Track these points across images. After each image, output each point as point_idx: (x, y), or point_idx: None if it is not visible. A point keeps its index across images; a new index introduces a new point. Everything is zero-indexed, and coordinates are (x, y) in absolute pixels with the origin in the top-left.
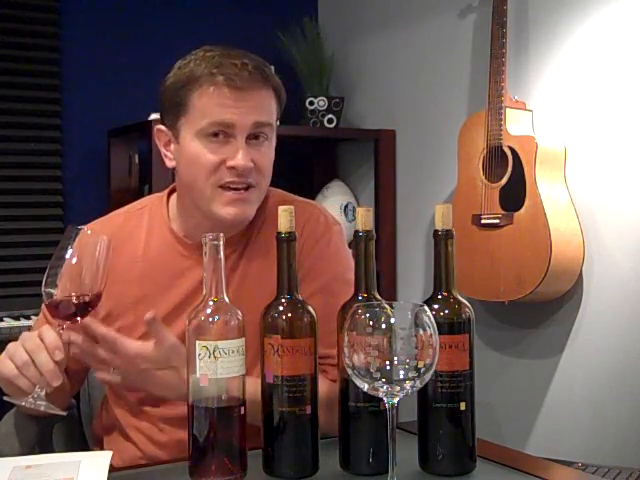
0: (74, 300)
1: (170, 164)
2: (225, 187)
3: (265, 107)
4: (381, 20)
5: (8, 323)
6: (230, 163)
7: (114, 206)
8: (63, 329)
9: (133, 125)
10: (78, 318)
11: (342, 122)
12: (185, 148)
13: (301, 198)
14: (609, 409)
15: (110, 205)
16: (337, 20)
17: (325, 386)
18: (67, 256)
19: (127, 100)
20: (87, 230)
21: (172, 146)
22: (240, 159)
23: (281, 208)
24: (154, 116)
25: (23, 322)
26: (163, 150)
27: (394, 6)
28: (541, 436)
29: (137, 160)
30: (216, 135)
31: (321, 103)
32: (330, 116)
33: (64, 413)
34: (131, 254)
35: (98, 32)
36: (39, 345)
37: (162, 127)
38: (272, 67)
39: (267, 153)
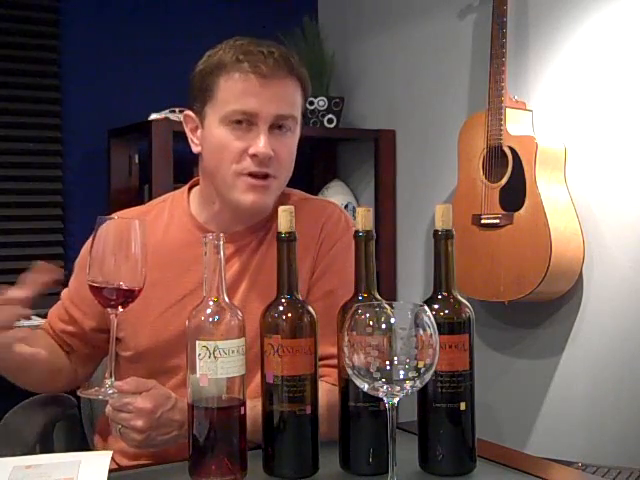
0: (118, 287)
1: (196, 149)
2: (245, 174)
3: (289, 97)
4: (381, 20)
5: None
6: (251, 150)
7: (114, 206)
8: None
9: (133, 125)
10: (120, 307)
11: (342, 122)
12: (210, 134)
13: (320, 198)
14: (609, 409)
15: (110, 205)
16: (337, 20)
17: (325, 394)
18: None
19: (127, 100)
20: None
21: (199, 132)
22: (261, 147)
23: (281, 208)
24: (154, 116)
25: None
26: (190, 135)
27: (394, 6)
28: (541, 436)
29: (137, 160)
30: (240, 122)
31: (321, 103)
32: (330, 116)
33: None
34: (150, 241)
35: (98, 32)
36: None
37: (190, 112)
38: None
39: (289, 144)
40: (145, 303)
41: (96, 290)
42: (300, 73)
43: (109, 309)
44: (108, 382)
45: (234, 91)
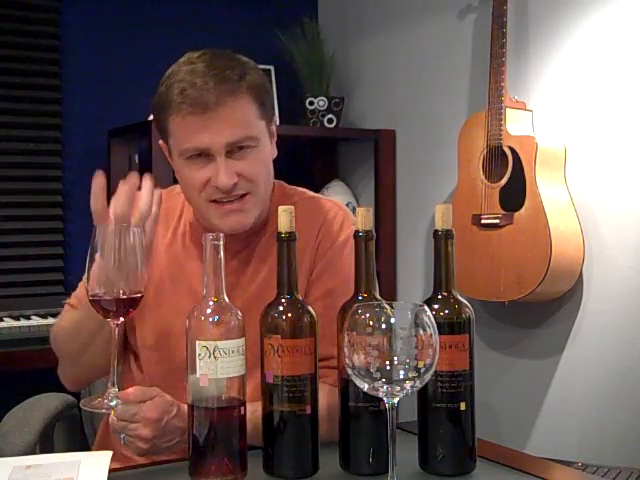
0: (117, 297)
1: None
2: (217, 201)
3: (239, 120)
4: (381, 20)
5: (8, 323)
6: (213, 183)
7: None
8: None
9: (133, 125)
10: (121, 317)
11: (342, 122)
12: (176, 165)
13: (322, 196)
14: (609, 409)
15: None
16: (337, 20)
17: (325, 395)
18: (103, 254)
19: (127, 100)
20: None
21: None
22: (222, 179)
23: (281, 208)
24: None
25: (23, 322)
26: (171, 162)
27: (394, 6)
28: (541, 436)
29: (137, 160)
30: (198, 155)
31: (321, 103)
32: (330, 116)
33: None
34: (163, 231)
35: (98, 32)
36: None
37: (161, 142)
38: (252, 61)
39: (255, 160)
40: (151, 298)
41: (95, 303)
42: (248, 84)
43: (110, 320)
44: (112, 391)
45: (182, 131)
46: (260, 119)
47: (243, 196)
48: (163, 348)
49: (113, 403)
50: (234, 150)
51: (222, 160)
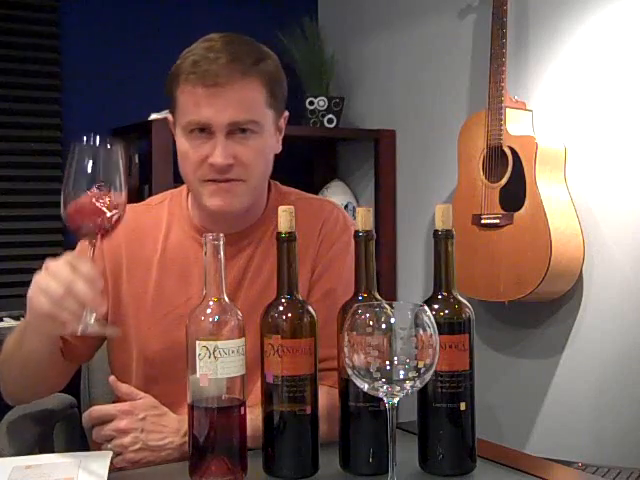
0: (98, 203)
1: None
2: (208, 181)
3: (245, 102)
4: (381, 20)
5: (8, 323)
6: (209, 160)
7: None
8: (96, 241)
9: (133, 125)
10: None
11: (342, 122)
12: (178, 142)
13: (319, 197)
14: (609, 409)
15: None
16: (337, 20)
17: (325, 395)
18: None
19: (127, 100)
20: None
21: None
22: (217, 157)
23: (281, 208)
24: (154, 116)
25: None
26: (175, 137)
27: (394, 6)
28: (541, 436)
29: (137, 160)
30: (199, 131)
31: (321, 103)
32: (330, 116)
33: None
34: (152, 245)
35: (98, 32)
36: (73, 278)
37: (169, 116)
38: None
39: (255, 147)
40: (148, 309)
41: (75, 215)
42: (260, 71)
43: (87, 238)
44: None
45: (188, 102)
46: (268, 107)
47: (231, 181)
48: (168, 361)
49: (90, 329)
50: (236, 132)
51: (222, 138)
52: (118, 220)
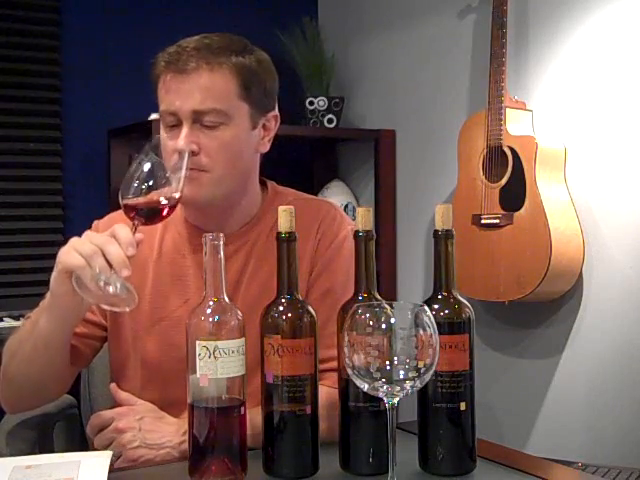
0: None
1: None
2: None
3: (212, 91)
4: (381, 20)
5: (8, 323)
6: (174, 147)
7: (114, 206)
8: (136, 228)
9: (133, 125)
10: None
11: (342, 122)
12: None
13: (316, 197)
14: (609, 409)
15: (110, 205)
16: (337, 20)
17: (325, 396)
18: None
19: (127, 100)
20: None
21: None
22: (179, 142)
23: (281, 208)
24: (154, 116)
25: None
26: None
27: (394, 6)
28: (541, 436)
29: None
30: (172, 124)
31: (321, 103)
32: (330, 116)
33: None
34: (148, 248)
35: (98, 32)
36: (109, 238)
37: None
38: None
39: (221, 138)
40: (146, 312)
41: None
42: (232, 61)
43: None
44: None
45: (161, 91)
46: (240, 100)
47: (199, 171)
48: (166, 363)
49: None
50: (203, 121)
51: (187, 126)
52: (170, 210)
